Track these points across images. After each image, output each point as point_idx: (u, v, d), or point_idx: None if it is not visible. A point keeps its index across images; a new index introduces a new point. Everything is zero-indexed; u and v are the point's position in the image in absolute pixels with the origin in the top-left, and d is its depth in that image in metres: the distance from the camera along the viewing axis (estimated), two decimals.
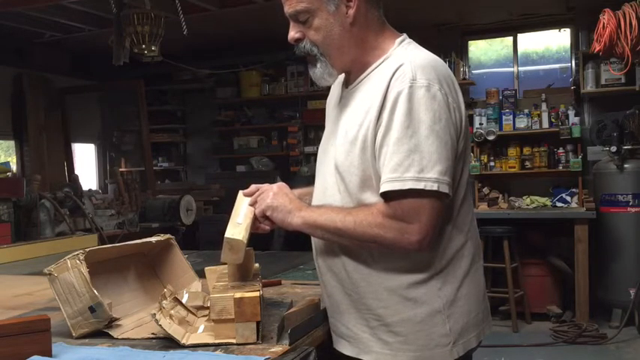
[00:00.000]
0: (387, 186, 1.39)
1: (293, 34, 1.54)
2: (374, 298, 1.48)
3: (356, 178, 1.47)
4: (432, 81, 1.40)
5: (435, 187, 1.36)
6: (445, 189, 1.38)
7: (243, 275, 1.52)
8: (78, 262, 1.41)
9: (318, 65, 1.55)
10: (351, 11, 1.49)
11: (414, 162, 1.36)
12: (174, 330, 1.33)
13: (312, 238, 1.61)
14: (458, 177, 1.48)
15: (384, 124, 1.41)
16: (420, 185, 1.36)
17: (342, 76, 1.65)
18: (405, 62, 1.43)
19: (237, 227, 1.47)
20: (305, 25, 1.51)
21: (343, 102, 1.59)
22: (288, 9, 1.52)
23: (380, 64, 1.52)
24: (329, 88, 1.74)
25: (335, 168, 1.52)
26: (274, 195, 1.52)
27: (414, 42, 1.57)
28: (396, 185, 1.37)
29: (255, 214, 1.53)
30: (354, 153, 1.47)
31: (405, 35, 1.58)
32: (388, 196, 1.40)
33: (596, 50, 4.58)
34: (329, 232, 1.47)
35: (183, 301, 1.49)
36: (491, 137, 5.96)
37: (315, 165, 1.70)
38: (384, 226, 1.40)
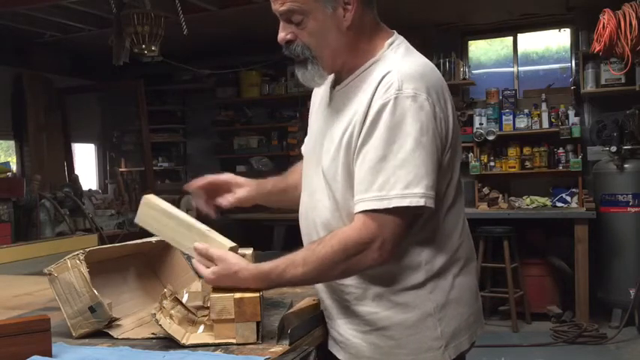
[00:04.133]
0: (367, 205, 1.35)
1: (284, 35, 1.45)
2: (364, 304, 1.47)
3: (339, 185, 1.45)
4: (418, 90, 1.35)
5: (402, 203, 1.32)
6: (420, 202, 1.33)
7: None
8: (78, 262, 1.41)
9: (309, 67, 1.46)
10: (349, 14, 1.41)
11: (397, 178, 1.33)
12: (174, 330, 1.33)
13: (304, 243, 1.58)
14: (443, 189, 1.44)
15: (363, 134, 1.37)
16: (405, 202, 1.33)
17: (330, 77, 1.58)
18: (392, 70, 1.38)
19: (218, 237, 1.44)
20: (298, 27, 1.42)
21: (332, 104, 1.54)
22: (279, 7, 1.42)
23: (369, 67, 1.46)
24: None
25: (322, 172, 1.50)
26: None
27: (405, 42, 1.51)
28: (383, 204, 1.33)
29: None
30: (337, 160, 1.44)
31: (395, 35, 1.52)
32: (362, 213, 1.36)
33: (596, 50, 4.58)
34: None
35: (184, 301, 1.49)
36: (491, 137, 5.95)
37: None
38: (348, 260, 1.36)
